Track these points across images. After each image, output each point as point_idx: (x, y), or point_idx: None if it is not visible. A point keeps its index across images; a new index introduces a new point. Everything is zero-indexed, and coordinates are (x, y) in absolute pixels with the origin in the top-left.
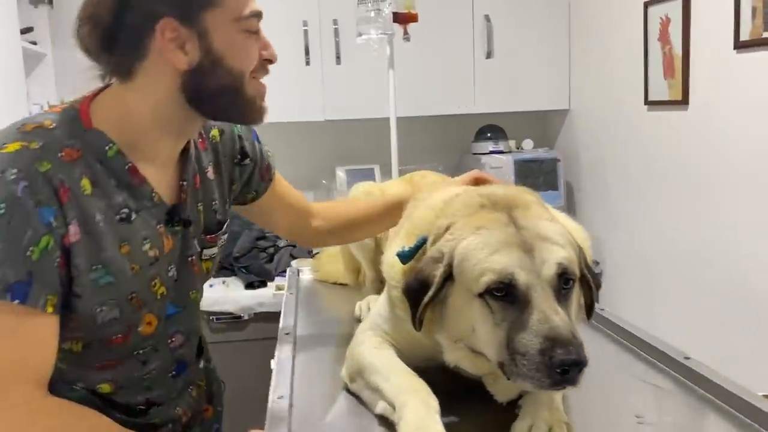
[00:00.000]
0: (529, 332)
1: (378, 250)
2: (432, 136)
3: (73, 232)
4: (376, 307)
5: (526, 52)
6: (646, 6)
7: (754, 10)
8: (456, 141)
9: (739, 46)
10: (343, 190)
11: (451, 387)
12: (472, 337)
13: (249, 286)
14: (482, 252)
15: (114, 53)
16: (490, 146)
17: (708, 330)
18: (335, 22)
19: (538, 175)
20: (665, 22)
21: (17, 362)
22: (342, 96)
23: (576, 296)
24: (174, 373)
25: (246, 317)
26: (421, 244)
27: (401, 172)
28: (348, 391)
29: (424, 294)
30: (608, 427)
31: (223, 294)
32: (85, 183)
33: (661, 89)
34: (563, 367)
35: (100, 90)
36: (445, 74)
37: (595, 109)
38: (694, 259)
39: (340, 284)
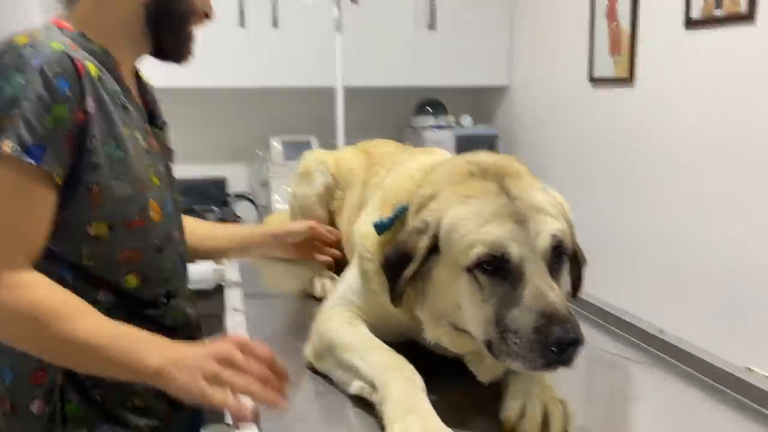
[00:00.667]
0: (523, 308)
1: (333, 224)
2: (371, 108)
3: (90, 103)
4: (344, 281)
5: (468, 26)
6: None
7: None
8: (396, 115)
9: (690, 24)
10: (279, 161)
11: (428, 366)
12: (457, 314)
13: None
14: (472, 222)
15: None
16: (430, 121)
17: (663, 305)
18: None
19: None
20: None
21: (20, 222)
22: (278, 62)
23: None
24: (181, 266)
25: None
26: (400, 214)
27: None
28: (314, 371)
29: (405, 267)
30: (598, 403)
31: None
32: (91, 66)
33: (606, 66)
34: (560, 345)
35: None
36: (387, 45)
37: (536, 86)
38: (642, 238)
39: (286, 259)
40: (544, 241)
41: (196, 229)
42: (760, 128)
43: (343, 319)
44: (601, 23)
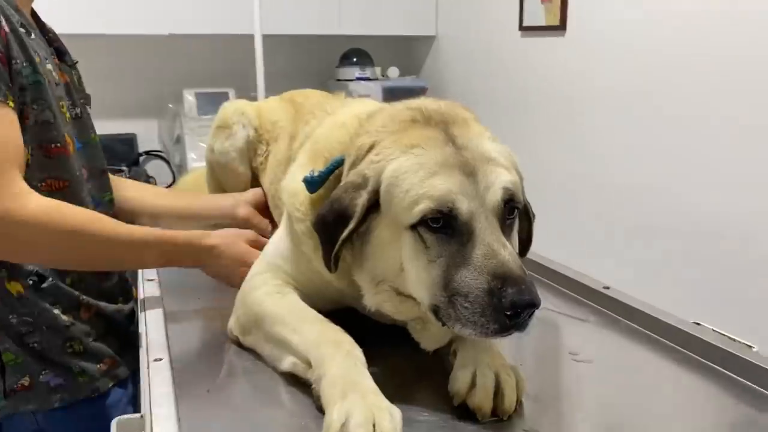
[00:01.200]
0: (473, 269)
1: (256, 183)
2: (293, 58)
3: (4, 23)
4: (271, 245)
5: None
6: None
7: None
8: (320, 65)
9: None
10: (193, 115)
11: (367, 336)
12: (399, 277)
13: None
14: (416, 175)
15: None
16: (356, 72)
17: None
18: None
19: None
20: None
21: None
22: (189, 7)
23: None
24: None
25: None
26: (334, 168)
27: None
28: (239, 346)
29: (342, 227)
30: (547, 367)
31: None
32: None
33: (537, 15)
34: (515, 309)
35: None
36: None
37: (465, 36)
38: (577, 188)
39: None
40: (495, 195)
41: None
42: (687, 76)
43: (272, 288)
44: None
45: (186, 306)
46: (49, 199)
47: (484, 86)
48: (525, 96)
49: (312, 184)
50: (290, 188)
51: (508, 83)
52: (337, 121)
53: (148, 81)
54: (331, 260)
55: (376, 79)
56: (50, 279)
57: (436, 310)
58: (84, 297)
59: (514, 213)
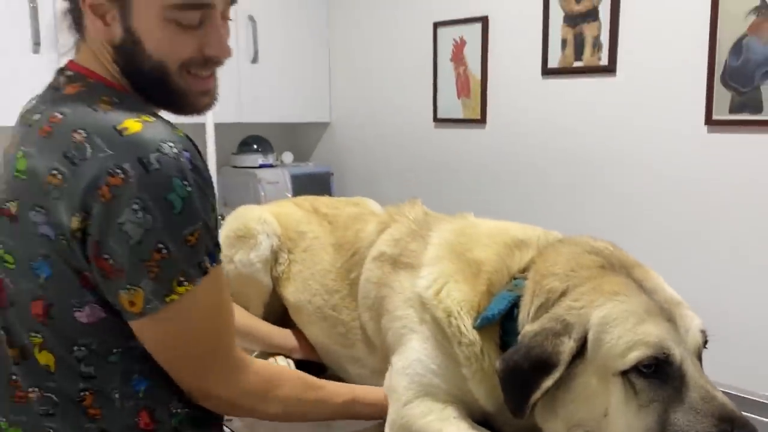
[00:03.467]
0: (694, 413)
1: (275, 293)
2: None
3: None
4: (415, 362)
5: (290, 60)
6: (435, 26)
7: (563, 41)
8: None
9: (547, 72)
10: None
11: None
12: (602, 423)
13: None
14: (627, 322)
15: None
16: (259, 159)
17: None
18: None
19: (312, 189)
20: (459, 44)
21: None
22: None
23: None
24: None
25: None
26: (510, 307)
27: None
28: None
29: (541, 374)
30: None
31: None
32: None
33: (453, 108)
34: None
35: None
36: None
37: (362, 122)
38: None
39: None
40: (695, 338)
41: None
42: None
43: (442, 413)
44: (446, 66)
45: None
46: (266, 365)
47: (389, 170)
48: (437, 184)
49: (490, 321)
50: (447, 307)
51: (421, 167)
52: (495, 250)
53: None
54: (525, 407)
55: (278, 165)
56: None
57: None
58: None
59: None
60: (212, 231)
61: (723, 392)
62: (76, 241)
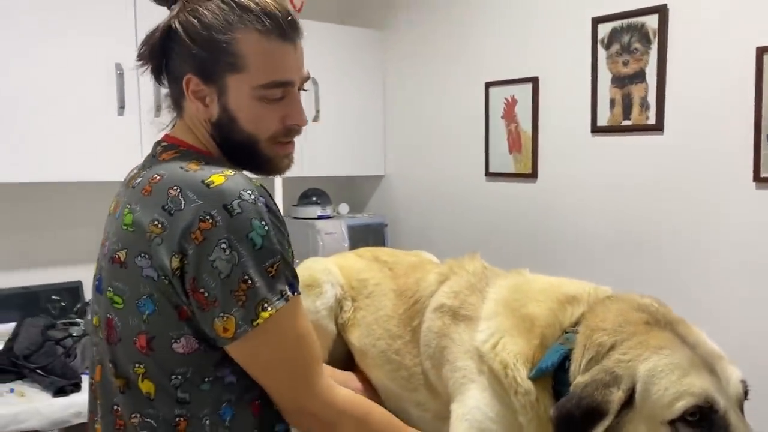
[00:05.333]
0: None
1: (340, 338)
2: None
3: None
4: (474, 410)
5: (348, 118)
6: (487, 86)
7: (612, 101)
8: (279, 205)
9: (596, 130)
10: None
11: None
12: None
13: (59, 392)
14: (673, 374)
15: (168, 87)
16: (318, 211)
17: None
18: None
19: (367, 240)
20: (511, 102)
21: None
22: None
23: None
24: None
25: None
26: (563, 358)
27: None
28: None
29: (592, 423)
30: None
31: (20, 408)
32: None
33: (504, 162)
34: None
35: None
36: None
37: (415, 175)
38: None
39: None
40: (737, 389)
41: None
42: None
43: None
44: (498, 123)
45: None
46: (355, 394)
47: (442, 222)
48: (487, 236)
49: (543, 372)
50: (504, 360)
51: (471, 222)
52: (533, 297)
53: (93, 225)
54: None
55: (335, 216)
56: None
57: None
58: None
59: None
60: (290, 264)
61: None
62: (177, 278)
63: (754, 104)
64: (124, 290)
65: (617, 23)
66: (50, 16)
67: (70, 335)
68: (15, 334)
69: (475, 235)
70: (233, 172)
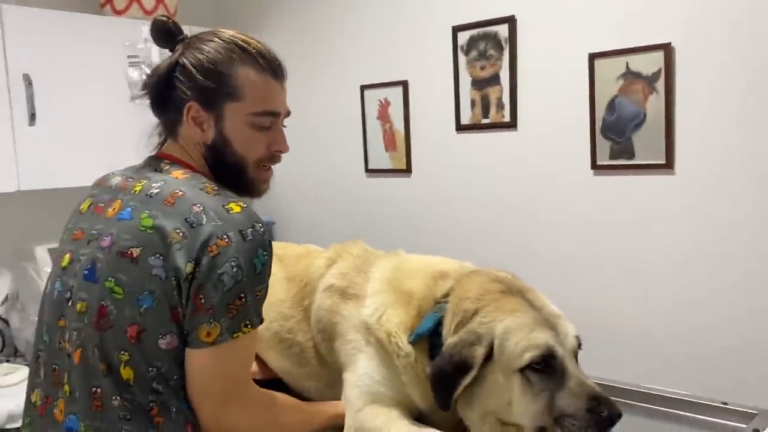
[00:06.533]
0: (573, 396)
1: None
2: None
3: None
4: (364, 377)
5: None
6: (362, 89)
7: (472, 102)
8: None
9: (460, 128)
10: (48, 270)
11: None
12: (508, 410)
13: None
14: (522, 331)
15: (163, 113)
16: None
17: None
18: (26, 77)
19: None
20: (384, 104)
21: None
22: (39, 163)
23: None
24: None
25: None
26: (436, 325)
27: None
28: None
29: (461, 375)
30: None
31: None
32: None
33: (382, 160)
34: (611, 420)
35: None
36: None
37: (300, 174)
38: None
39: None
40: (572, 342)
41: None
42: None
43: (388, 415)
44: (374, 123)
45: None
46: (263, 393)
47: (326, 217)
48: (369, 227)
49: (420, 337)
50: (388, 329)
51: (352, 220)
52: (413, 274)
53: None
54: (450, 402)
55: None
56: None
57: (541, 430)
58: None
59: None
60: (262, 299)
61: (595, 382)
62: (186, 282)
63: (588, 102)
64: (128, 283)
65: (474, 32)
66: None
67: None
68: None
69: (358, 227)
70: (246, 205)
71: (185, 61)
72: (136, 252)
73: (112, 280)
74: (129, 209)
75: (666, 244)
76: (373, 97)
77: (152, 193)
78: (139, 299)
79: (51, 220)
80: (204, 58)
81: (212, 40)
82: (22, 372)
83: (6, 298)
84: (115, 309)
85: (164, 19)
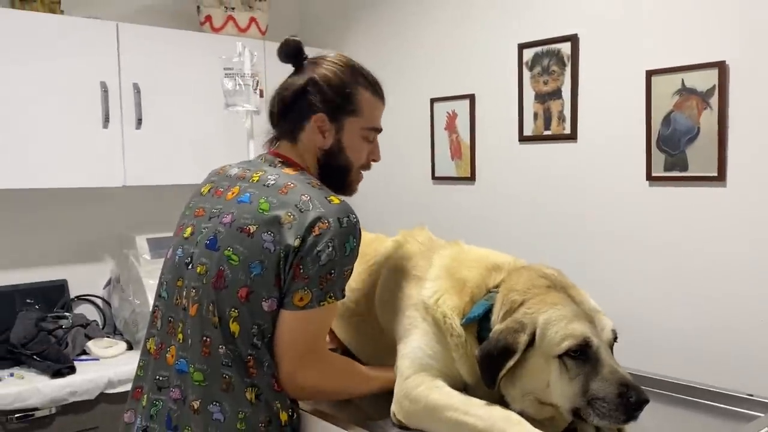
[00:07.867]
0: (605, 381)
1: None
2: None
3: None
4: (416, 350)
5: None
6: (432, 102)
7: (535, 115)
8: None
9: (523, 139)
10: (147, 258)
11: None
12: (546, 391)
13: (57, 374)
14: (562, 322)
15: (287, 120)
16: None
17: None
18: (135, 86)
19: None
20: (452, 116)
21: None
22: (143, 161)
23: None
24: None
25: (53, 411)
26: (486, 312)
27: None
28: (401, 427)
29: (506, 358)
30: None
31: (22, 388)
32: None
33: (448, 168)
34: (639, 405)
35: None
36: None
37: (372, 181)
38: None
39: None
40: (608, 334)
41: None
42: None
43: (432, 383)
44: (442, 134)
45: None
46: (338, 358)
47: (395, 220)
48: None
49: (471, 321)
50: (444, 311)
51: (420, 218)
52: (471, 265)
53: (102, 225)
54: (496, 381)
55: None
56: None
57: (575, 411)
58: None
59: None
60: (347, 278)
61: (627, 371)
62: (293, 253)
63: (645, 116)
64: (244, 252)
65: (538, 49)
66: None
67: (61, 327)
68: (7, 327)
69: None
70: (343, 199)
71: (318, 78)
72: (252, 228)
73: (230, 249)
74: (248, 194)
75: (716, 253)
76: (442, 109)
77: (269, 183)
78: (251, 266)
79: (151, 212)
80: (335, 78)
81: (337, 63)
82: (120, 346)
83: (109, 281)
84: (230, 273)
85: (297, 39)
